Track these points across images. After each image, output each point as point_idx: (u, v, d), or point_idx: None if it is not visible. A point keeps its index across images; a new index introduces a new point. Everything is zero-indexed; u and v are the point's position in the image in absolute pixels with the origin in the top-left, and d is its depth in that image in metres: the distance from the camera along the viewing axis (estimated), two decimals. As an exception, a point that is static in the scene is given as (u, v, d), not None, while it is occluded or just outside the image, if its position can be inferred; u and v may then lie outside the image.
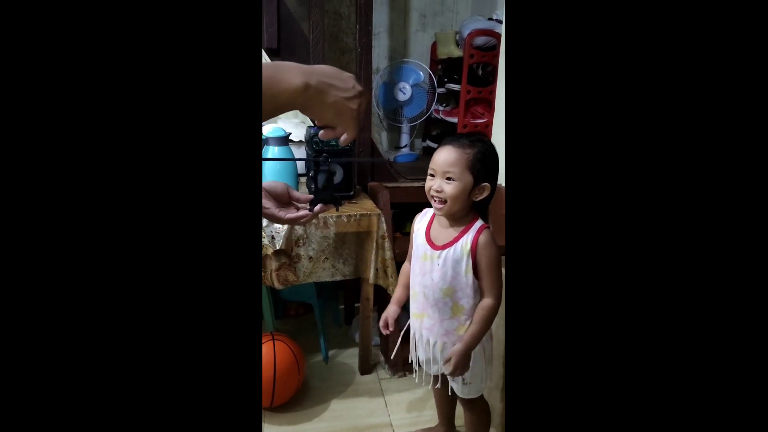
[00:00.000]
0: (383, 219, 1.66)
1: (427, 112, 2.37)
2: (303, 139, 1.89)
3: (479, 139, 1.16)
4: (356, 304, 2.27)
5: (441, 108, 2.43)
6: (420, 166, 2.37)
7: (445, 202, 1.12)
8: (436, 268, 1.18)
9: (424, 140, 2.66)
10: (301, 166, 1.88)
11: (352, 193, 1.80)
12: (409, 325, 1.33)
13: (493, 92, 2.20)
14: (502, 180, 1.24)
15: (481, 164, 1.13)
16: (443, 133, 2.59)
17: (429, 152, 2.60)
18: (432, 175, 1.15)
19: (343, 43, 2.31)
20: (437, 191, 1.13)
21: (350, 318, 2.20)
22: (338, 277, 1.72)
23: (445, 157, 1.13)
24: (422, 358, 1.30)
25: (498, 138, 2.29)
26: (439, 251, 1.18)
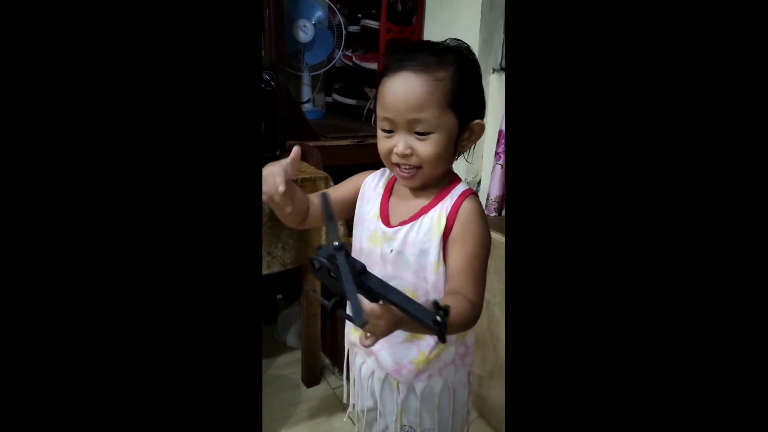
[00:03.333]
0: (332, 184, 1.26)
1: (335, 58, 1.97)
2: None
3: (453, 46, 0.70)
4: (278, 296, 1.83)
5: (351, 54, 2.04)
6: (330, 123, 1.98)
7: (419, 167, 0.69)
8: (390, 255, 0.73)
9: (328, 94, 2.25)
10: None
11: (278, 153, 1.36)
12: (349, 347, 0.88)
13: (415, 32, 1.89)
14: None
15: (465, 90, 0.67)
16: (349, 85, 2.21)
17: (335, 109, 2.20)
18: (389, 130, 0.69)
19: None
20: (404, 155, 0.68)
21: (273, 316, 1.74)
22: (276, 268, 1.28)
23: (405, 94, 0.66)
24: (360, 403, 0.86)
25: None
26: (396, 229, 0.73)
